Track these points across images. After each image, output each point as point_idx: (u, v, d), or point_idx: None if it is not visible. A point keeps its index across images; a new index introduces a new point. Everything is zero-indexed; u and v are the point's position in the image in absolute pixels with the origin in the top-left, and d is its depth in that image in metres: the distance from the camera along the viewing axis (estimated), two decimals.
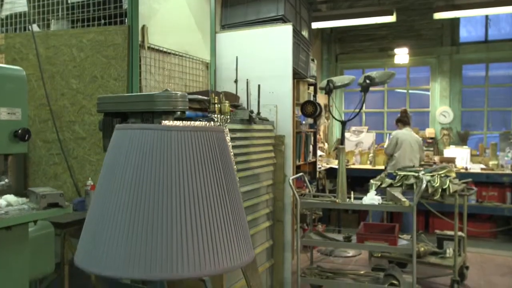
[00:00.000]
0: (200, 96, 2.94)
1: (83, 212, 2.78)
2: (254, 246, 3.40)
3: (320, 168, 6.31)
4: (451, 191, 3.65)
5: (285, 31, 3.83)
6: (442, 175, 3.77)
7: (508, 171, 6.07)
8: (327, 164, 6.96)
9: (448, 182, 3.68)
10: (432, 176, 3.82)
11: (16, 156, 3.20)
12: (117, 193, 0.62)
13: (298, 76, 4.72)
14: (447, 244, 4.08)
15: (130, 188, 0.62)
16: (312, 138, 5.74)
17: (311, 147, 5.68)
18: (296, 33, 4.22)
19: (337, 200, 3.46)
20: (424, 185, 3.26)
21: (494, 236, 6.10)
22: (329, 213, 6.69)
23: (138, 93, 3.00)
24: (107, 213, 0.62)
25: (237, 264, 0.64)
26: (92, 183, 2.85)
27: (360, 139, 7.76)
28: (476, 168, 6.35)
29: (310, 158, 5.65)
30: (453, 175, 3.96)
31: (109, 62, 3.09)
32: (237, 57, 3.59)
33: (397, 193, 3.48)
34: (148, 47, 3.23)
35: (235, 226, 0.66)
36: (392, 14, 6.15)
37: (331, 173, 6.71)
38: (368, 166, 7.05)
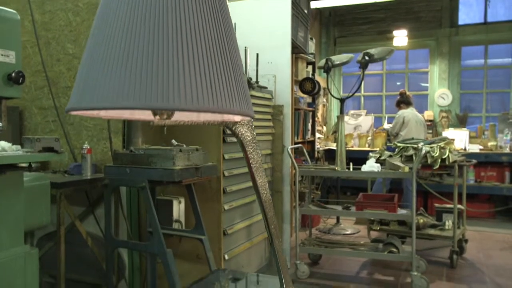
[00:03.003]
0: None
1: (80, 176, 2.75)
2: (252, 215, 3.37)
3: (318, 148, 6.28)
4: (450, 160, 3.63)
5: (284, 1, 3.80)
6: (442, 145, 3.74)
7: (507, 151, 6.06)
8: (325, 146, 6.94)
9: (447, 152, 3.66)
10: (431, 147, 3.79)
11: (11, 122, 3.16)
12: (111, 25, 0.59)
13: (297, 51, 4.68)
14: (446, 216, 4.06)
15: (124, 19, 0.59)
16: (311, 116, 5.71)
17: (309, 126, 5.65)
18: (295, 5, 4.18)
19: (336, 168, 3.44)
20: (423, 152, 3.23)
21: (493, 216, 6.10)
22: (328, 195, 6.67)
23: None
24: (100, 46, 0.59)
25: (236, 109, 0.61)
26: (88, 147, 2.81)
27: (359, 122, 7.73)
28: (475, 148, 6.33)
29: (309, 137, 5.62)
30: (453, 146, 3.94)
31: None
32: (235, 23, 3.54)
33: (396, 161, 3.46)
34: None
35: (235, 79, 0.63)
36: None
37: (330, 154, 6.68)
38: (367, 148, 7.03)
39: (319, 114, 7.13)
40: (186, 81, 0.56)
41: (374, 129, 7.42)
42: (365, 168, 3.38)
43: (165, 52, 0.56)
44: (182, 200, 2.72)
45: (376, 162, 3.89)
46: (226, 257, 2.90)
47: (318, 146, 6.35)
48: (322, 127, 7.57)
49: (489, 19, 7.25)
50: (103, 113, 0.76)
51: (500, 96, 7.21)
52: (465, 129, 6.91)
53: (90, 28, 2.72)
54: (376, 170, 3.32)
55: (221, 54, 0.62)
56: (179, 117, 0.73)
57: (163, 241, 2.22)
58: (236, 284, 1.67)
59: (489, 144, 6.41)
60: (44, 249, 2.80)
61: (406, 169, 3.19)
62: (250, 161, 0.77)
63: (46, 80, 3.22)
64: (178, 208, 2.70)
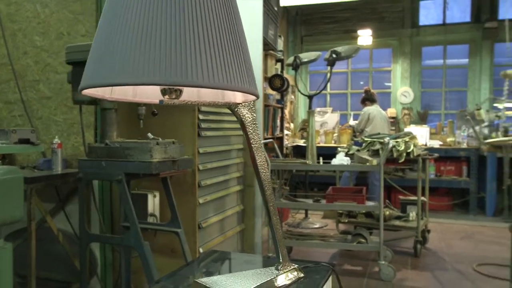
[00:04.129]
0: None
1: (50, 171, 2.69)
2: (226, 209, 3.41)
3: (287, 144, 6.38)
4: (415, 154, 3.79)
5: None
6: (407, 140, 3.90)
7: (464, 146, 6.36)
8: (293, 142, 7.05)
9: (412, 146, 3.82)
10: (397, 141, 3.94)
11: None
12: (130, 6, 0.62)
13: (267, 48, 4.74)
14: (410, 208, 4.24)
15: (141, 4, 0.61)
16: (280, 113, 5.79)
17: (278, 122, 5.73)
18: (266, 2, 4.24)
19: (307, 161, 3.52)
20: (390, 146, 3.37)
21: (452, 208, 6.39)
22: (295, 190, 6.78)
23: None
24: (118, 25, 0.61)
25: (246, 87, 0.64)
26: (59, 141, 2.75)
27: (325, 119, 7.89)
28: (435, 144, 6.62)
29: (278, 133, 5.70)
30: (417, 141, 4.11)
31: (76, 18, 2.99)
32: None
33: (364, 155, 3.58)
34: None
35: (245, 61, 0.67)
36: None
37: (298, 151, 6.80)
38: (334, 144, 7.19)
39: (286, 111, 7.23)
40: (203, 61, 0.59)
41: (340, 126, 7.60)
42: (335, 161, 3.48)
43: (182, 34, 0.59)
44: (157, 194, 2.71)
45: (345, 155, 4.01)
46: (201, 250, 2.92)
47: (287, 142, 6.44)
48: (290, 124, 7.68)
49: (448, 21, 7.58)
50: (108, 95, 0.77)
51: (458, 95, 7.57)
52: (426, 125, 7.20)
53: (60, 21, 2.68)
54: (346, 163, 3.42)
55: (233, 37, 0.65)
56: (185, 97, 0.76)
57: (140, 234, 2.22)
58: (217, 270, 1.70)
59: (448, 140, 6.71)
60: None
61: (375, 162, 3.32)
62: (251, 141, 0.81)
63: (12, 73, 3.12)
64: (153, 202, 2.70)
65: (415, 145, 3.89)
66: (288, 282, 0.85)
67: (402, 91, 7.69)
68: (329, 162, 3.65)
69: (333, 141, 7.38)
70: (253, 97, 0.73)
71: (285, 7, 7.72)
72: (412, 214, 4.14)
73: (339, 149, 4.19)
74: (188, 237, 2.69)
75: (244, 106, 0.80)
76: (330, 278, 0.94)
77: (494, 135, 6.21)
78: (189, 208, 2.82)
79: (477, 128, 6.43)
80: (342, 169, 4.42)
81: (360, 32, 7.55)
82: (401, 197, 4.53)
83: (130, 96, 0.81)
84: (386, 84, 8.03)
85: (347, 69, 8.21)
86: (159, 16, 0.61)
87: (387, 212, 4.08)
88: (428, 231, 4.44)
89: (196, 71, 0.58)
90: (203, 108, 2.92)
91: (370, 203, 3.63)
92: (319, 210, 5.83)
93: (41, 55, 3.08)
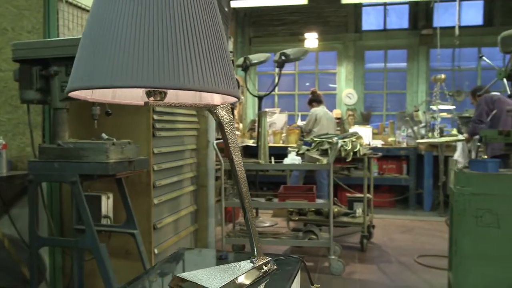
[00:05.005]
0: None
1: None
2: (180, 209, 3.40)
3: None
4: (361, 153, 3.98)
5: None
6: (353, 139, 4.09)
7: (404, 146, 6.75)
8: (242, 143, 7.12)
9: (358, 145, 4.01)
10: (344, 141, 4.12)
11: None
12: (119, 9, 0.64)
13: None
14: (357, 205, 4.44)
15: (133, 7, 0.64)
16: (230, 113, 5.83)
17: None
18: (218, 2, 4.27)
19: (260, 161, 3.59)
20: (339, 145, 3.52)
21: (393, 204, 6.75)
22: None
23: (65, 38, 2.83)
24: (109, 28, 0.63)
25: (232, 91, 0.69)
26: (3, 142, 2.63)
27: (273, 120, 8.03)
28: (377, 144, 6.95)
29: None
30: (362, 140, 4.32)
31: (21, 13, 2.87)
32: None
33: (314, 155, 3.71)
34: (66, 1, 3.05)
35: (229, 65, 0.71)
36: None
37: (247, 151, 6.88)
38: (282, 145, 7.35)
39: (235, 112, 7.29)
40: (192, 64, 0.62)
41: (288, 126, 7.78)
42: (287, 161, 3.58)
43: (173, 39, 0.62)
44: (111, 195, 2.66)
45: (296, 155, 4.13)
46: (156, 251, 2.90)
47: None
48: (239, 124, 7.75)
49: (388, 27, 7.99)
50: (89, 96, 0.78)
51: (397, 97, 8.00)
52: (369, 126, 7.56)
53: (3, 16, 2.55)
54: (297, 162, 3.54)
55: (217, 40, 0.69)
56: (168, 99, 0.79)
57: (96, 236, 2.18)
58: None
59: (389, 139, 7.08)
60: None
61: (325, 161, 3.45)
62: (228, 141, 0.85)
63: None
64: (107, 204, 2.65)
65: (361, 145, 4.09)
66: (264, 274, 0.90)
67: (347, 92, 8.00)
68: (281, 162, 3.75)
69: (281, 141, 7.54)
70: (234, 99, 0.78)
71: (234, 8, 7.78)
72: (359, 211, 4.35)
73: (289, 149, 4.31)
74: (143, 238, 2.66)
75: (222, 107, 0.84)
76: (299, 270, 1.00)
77: (431, 135, 6.64)
78: (144, 209, 2.79)
79: (415, 128, 6.84)
80: (294, 168, 4.54)
81: (306, 35, 7.77)
82: (348, 194, 4.74)
83: (109, 97, 0.83)
84: (331, 86, 8.32)
85: (294, 70, 8.41)
86: (146, 22, 0.63)
87: (336, 209, 4.25)
88: (373, 227, 4.68)
89: (187, 76, 0.62)
90: (157, 109, 2.90)
91: (320, 201, 3.76)
92: (271, 209, 5.93)
93: None
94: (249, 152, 6.90)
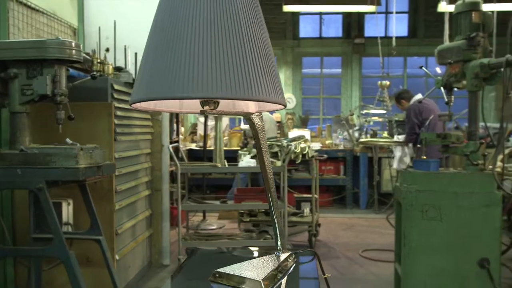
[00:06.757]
0: (84, 54, 2.79)
1: None
2: (137, 214, 3.37)
3: (182, 148, 6.41)
4: (309, 155, 4.19)
5: None
6: (301, 142, 4.29)
7: (341, 148, 7.13)
8: (185, 146, 7.10)
9: (307, 148, 4.22)
10: (294, 144, 4.30)
11: None
12: (185, 22, 0.70)
13: None
14: (304, 204, 4.65)
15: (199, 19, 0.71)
16: (175, 117, 5.82)
17: (175, 126, 5.75)
18: None
19: (217, 164, 3.66)
20: (293, 148, 3.69)
21: (332, 204, 7.10)
22: (189, 193, 6.83)
23: (24, 39, 2.69)
24: (173, 45, 0.69)
25: (284, 101, 0.78)
26: None
27: (214, 123, 8.09)
28: (316, 146, 7.27)
29: (174, 137, 5.73)
30: (308, 143, 4.54)
31: None
32: (114, 20, 3.46)
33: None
34: (16, 0, 2.91)
35: (278, 76, 0.80)
36: None
37: (191, 154, 6.88)
38: (225, 148, 7.42)
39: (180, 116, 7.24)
40: (252, 78, 0.71)
41: (230, 130, 7.87)
42: (242, 163, 3.68)
43: (233, 52, 0.70)
44: (71, 202, 2.59)
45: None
46: (117, 257, 2.86)
47: (181, 146, 6.47)
48: (181, 128, 7.70)
49: (324, 35, 8.39)
50: (152, 106, 0.84)
51: (333, 101, 8.43)
52: (307, 129, 7.87)
53: None
54: (253, 165, 3.65)
55: (267, 53, 0.78)
56: (220, 108, 0.86)
57: (65, 244, 2.13)
58: None
59: (327, 142, 7.43)
60: None
61: (279, 163, 3.60)
62: (261, 147, 0.93)
63: None
64: (67, 210, 2.58)
65: (309, 147, 4.30)
66: (292, 265, 1.00)
67: (286, 97, 8.27)
68: (234, 164, 3.84)
69: (223, 144, 7.60)
70: (281, 106, 0.85)
71: None
72: (306, 210, 4.56)
73: (240, 152, 4.42)
74: (106, 239, 2.62)
75: (257, 115, 0.93)
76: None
77: (364, 137, 7.09)
78: (106, 214, 2.74)
79: (350, 131, 7.26)
80: (250, 170, 4.64)
81: None
82: (295, 195, 4.93)
83: (177, 108, 0.89)
84: None
85: None
86: (216, 37, 0.71)
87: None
88: (319, 225, 4.91)
89: (249, 87, 0.70)
90: (118, 113, 2.87)
91: None
92: (224, 211, 5.98)
93: None
94: (193, 156, 6.91)
